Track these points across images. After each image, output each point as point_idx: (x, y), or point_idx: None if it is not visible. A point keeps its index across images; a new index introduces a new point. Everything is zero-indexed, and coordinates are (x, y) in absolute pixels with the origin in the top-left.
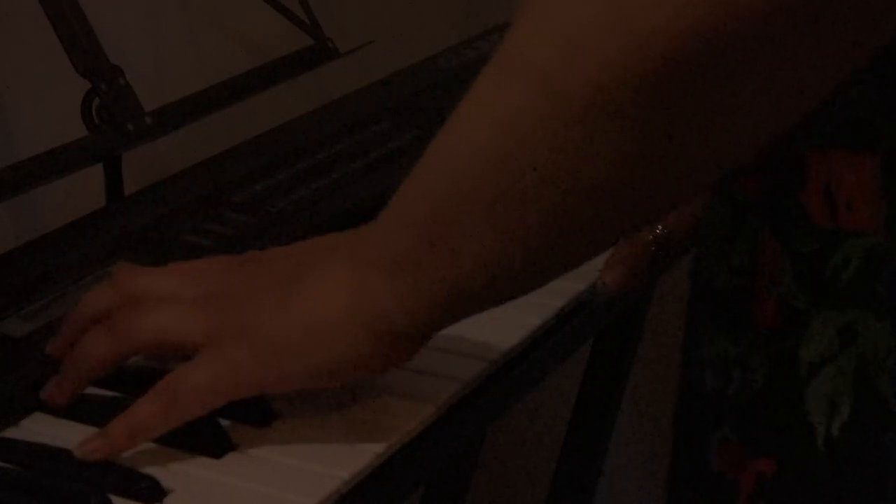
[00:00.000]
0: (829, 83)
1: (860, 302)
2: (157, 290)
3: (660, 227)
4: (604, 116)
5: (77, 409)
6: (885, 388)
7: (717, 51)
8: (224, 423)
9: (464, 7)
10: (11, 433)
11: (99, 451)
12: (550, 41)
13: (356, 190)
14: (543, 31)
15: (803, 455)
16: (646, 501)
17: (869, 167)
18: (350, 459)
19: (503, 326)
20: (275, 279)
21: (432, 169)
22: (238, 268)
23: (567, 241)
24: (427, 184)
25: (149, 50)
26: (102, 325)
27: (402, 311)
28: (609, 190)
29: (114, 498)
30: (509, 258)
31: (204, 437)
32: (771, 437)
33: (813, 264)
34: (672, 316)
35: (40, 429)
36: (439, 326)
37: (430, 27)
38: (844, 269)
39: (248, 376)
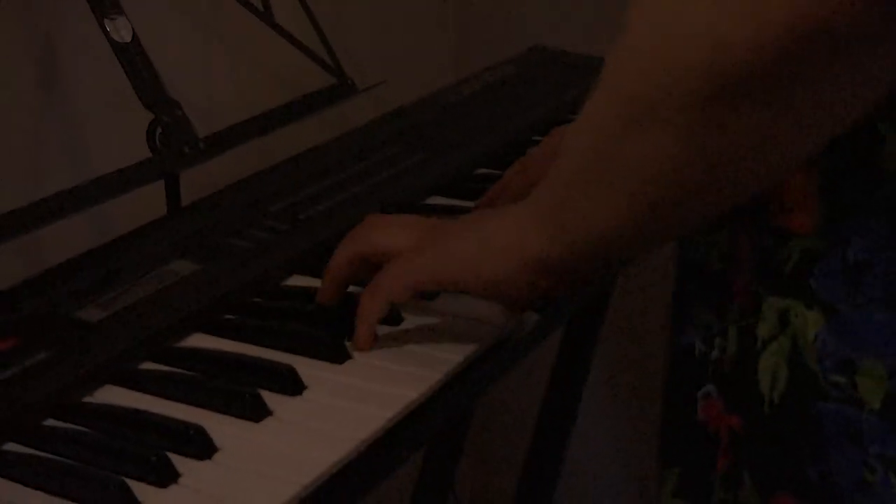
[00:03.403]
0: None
1: (796, 292)
2: (388, 246)
3: None
4: (658, 126)
5: (137, 382)
6: (814, 366)
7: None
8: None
9: (458, 53)
10: (87, 399)
11: (365, 341)
12: (633, 68)
13: (372, 202)
14: (622, 56)
15: (758, 416)
16: (630, 454)
17: (810, 181)
18: (364, 424)
19: (496, 309)
20: (466, 223)
21: (563, 150)
22: (430, 221)
23: (643, 219)
24: (556, 169)
25: (201, 87)
26: (369, 289)
27: (543, 251)
28: (668, 184)
29: (170, 455)
30: (604, 223)
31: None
32: (740, 397)
33: (767, 257)
34: (655, 300)
35: (109, 397)
36: (571, 268)
37: (431, 68)
38: (786, 263)
39: (430, 270)
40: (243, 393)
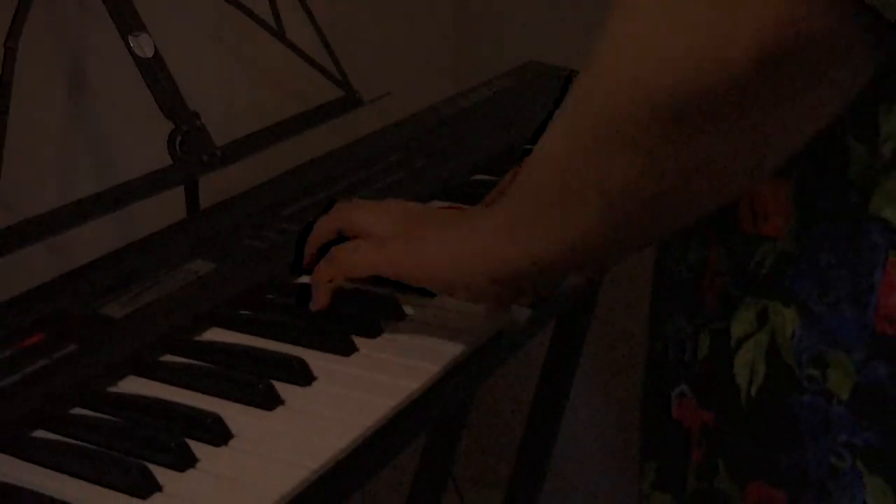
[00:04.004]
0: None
1: (773, 292)
2: (364, 227)
3: None
4: (625, 143)
5: (158, 373)
6: (791, 360)
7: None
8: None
9: (457, 68)
10: (111, 389)
11: (319, 302)
12: (602, 87)
13: None
14: (596, 79)
15: (733, 410)
16: (616, 449)
17: (783, 190)
18: (370, 412)
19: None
20: (440, 222)
21: (529, 169)
22: (415, 211)
23: (604, 234)
24: (525, 179)
25: (218, 99)
26: (327, 260)
27: (504, 262)
28: (632, 198)
29: (188, 441)
30: (565, 237)
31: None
32: (712, 394)
33: (741, 261)
34: (638, 294)
35: (132, 387)
36: (527, 280)
37: (431, 82)
38: (762, 266)
39: (394, 259)
40: (257, 383)
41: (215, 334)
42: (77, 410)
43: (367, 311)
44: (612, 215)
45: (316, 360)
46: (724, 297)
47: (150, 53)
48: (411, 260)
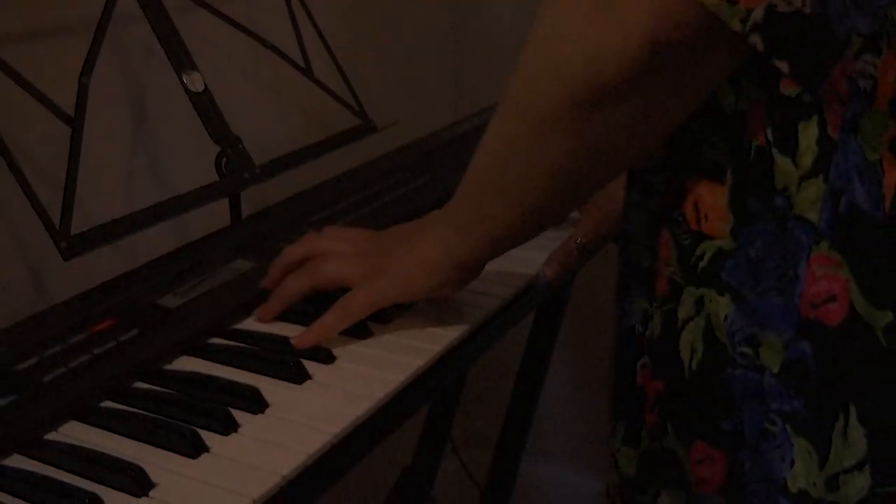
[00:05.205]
0: (680, 113)
1: (710, 282)
2: (329, 248)
3: (579, 238)
4: (553, 130)
5: (207, 353)
6: (725, 340)
7: (610, 96)
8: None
9: (457, 98)
10: (167, 367)
11: (306, 342)
12: (521, 85)
13: (388, 215)
14: (517, 77)
15: (679, 381)
16: (587, 412)
17: (718, 194)
18: (382, 386)
19: (483, 299)
20: (398, 239)
21: (472, 167)
22: (375, 235)
23: (543, 209)
24: (469, 177)
25: (256, 126)
26: (300, 270)
27: (469, 253)
28: (561, 176)
29: (231, 410)
30: (514, 219)
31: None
32: (662, 367)
33: (685, 254)
34: (603, 288)
35: (184, 365)
36: (488, 261)
37: (435, 110)
38: (701, 259)
39: (385, 294)
40: (288, 361)
41: (253, 323)
42: (138, 384)
43: None
44: (543, 196)
45: (337, 342)
46: (673, 283)
47: (200, 88)
48: (400, 286)
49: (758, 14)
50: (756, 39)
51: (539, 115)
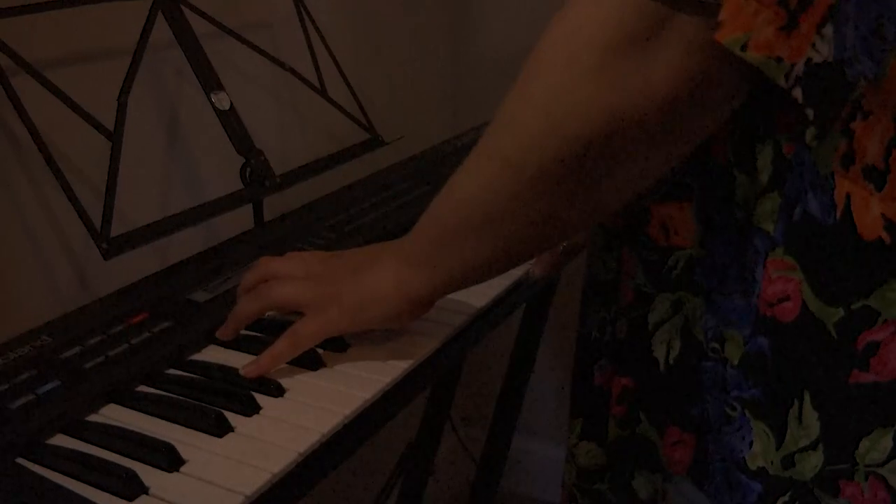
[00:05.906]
0: (665, 166)
1: (685, 286)
2: (282, 272)
3: (564, 241)
4: (548, 185)
5: (232, 343)
6: (700, 336)
7: (598, 152)
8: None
9: (455, 116)
10: (196, 357)
11: (256, 371)
12: (510, 139)
13: (393, 219)
14: (506, 130)
15: (650, 376)
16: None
17: (687, 210)
18: (389, 371)
19: (476, 295)
20: (351, 266)
21: (438, 207)
22: (329, 259)
23: (512, 254)
24: (434, 217)
25: (277, 140)
26: (251, 293)
27: (422, 289)
28: (542, 224)
29: (253, 394)
30: (478, 260)
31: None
32: (631, 364)
33: (655, 267)
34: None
35: (212, 354)
36: (442, 296)
37: (435, 126)
38: (675, 268)
39: (337, 324)
40: (305, 350)
41: (275, 315)
42: (171, 371)
43: None
44: (517, 242)
45: (352, 333)
46: (640, 293)
47: (226, 107)
48: (353, 317)
49: (799, 68)
50: (798, 93)
51: (534, 172)
